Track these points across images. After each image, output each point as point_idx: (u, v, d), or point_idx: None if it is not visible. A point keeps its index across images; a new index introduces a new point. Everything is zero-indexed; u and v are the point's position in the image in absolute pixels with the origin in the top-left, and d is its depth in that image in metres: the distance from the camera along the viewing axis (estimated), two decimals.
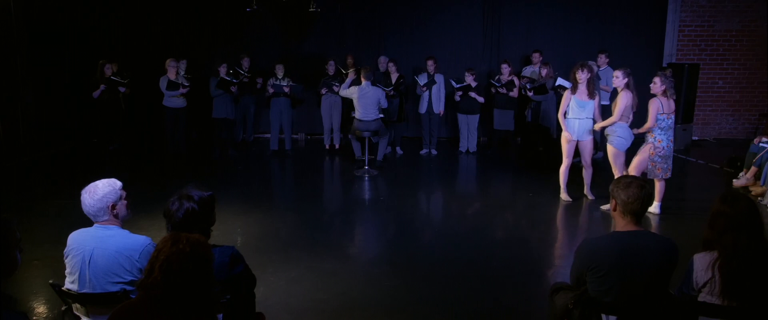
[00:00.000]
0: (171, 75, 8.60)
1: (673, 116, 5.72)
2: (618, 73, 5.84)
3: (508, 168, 8.50)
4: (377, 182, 7.68)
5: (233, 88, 8.86)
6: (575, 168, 6.60)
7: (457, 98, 8.92)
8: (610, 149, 5.98)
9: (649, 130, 5.71)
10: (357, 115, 7.87)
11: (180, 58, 8.93)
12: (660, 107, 5.61)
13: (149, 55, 9.80)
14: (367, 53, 10.09)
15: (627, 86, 5.82)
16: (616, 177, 5.50)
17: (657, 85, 5.67)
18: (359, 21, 10.40)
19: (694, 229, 5.02)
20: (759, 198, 6.41)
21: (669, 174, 5.85)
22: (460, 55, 10.22)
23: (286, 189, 7.97)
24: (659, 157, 5.71)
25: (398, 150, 9.34)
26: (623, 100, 5.78)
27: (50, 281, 2.81)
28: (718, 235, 2.59)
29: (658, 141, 5.68)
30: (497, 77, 8.98)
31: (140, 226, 4.96)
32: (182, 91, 8.60)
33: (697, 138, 10.41)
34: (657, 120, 5.63)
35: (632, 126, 5.97)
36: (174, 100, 8.67)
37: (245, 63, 9.28)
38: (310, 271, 4.54)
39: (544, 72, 8.46)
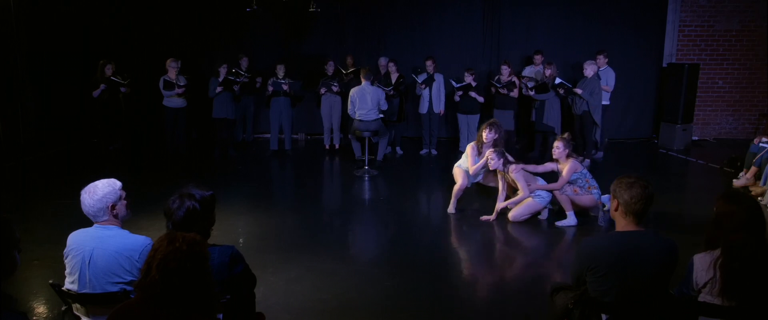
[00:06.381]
0: (171, 75, 8.60)
1: (584, 169, 5.78)
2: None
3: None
4: (377, 182, 7.68)
5: (236, 87, 8.87)
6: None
7: (457, 98, 8.92)
8: (531, 204, 5.77)
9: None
10: (356, 115, 7.87)
11: (178, 58, 8.92)
12: (576, 167, 5.65)
13: (149, 55, 9.79)
14: (367, 53, 10.09)
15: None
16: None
17: (560, 150, 5.65)
18: (359, 21, 10.40)
19: (694, 229, 5.02)
20: (759, 198, 6.40)
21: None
22: (460, 55, 10.21)
23: (286, 189, 7.97)
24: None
25: (398, 150, 9.34)
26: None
27: (50, 281, 2.82)
28: (725, 234, 2.59)
29: (575, 190, 5.69)
30: (497, 77, 8.97)
31: (140, 226, 4.96)
32: (177, 91, 8.60)
33: (697, 138, 10.40)
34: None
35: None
36: (174, 100, 8.68)
37: (243, 63, 9.27)
38: (310, 271, 4.54)
39: (547, 72, 8.45)
